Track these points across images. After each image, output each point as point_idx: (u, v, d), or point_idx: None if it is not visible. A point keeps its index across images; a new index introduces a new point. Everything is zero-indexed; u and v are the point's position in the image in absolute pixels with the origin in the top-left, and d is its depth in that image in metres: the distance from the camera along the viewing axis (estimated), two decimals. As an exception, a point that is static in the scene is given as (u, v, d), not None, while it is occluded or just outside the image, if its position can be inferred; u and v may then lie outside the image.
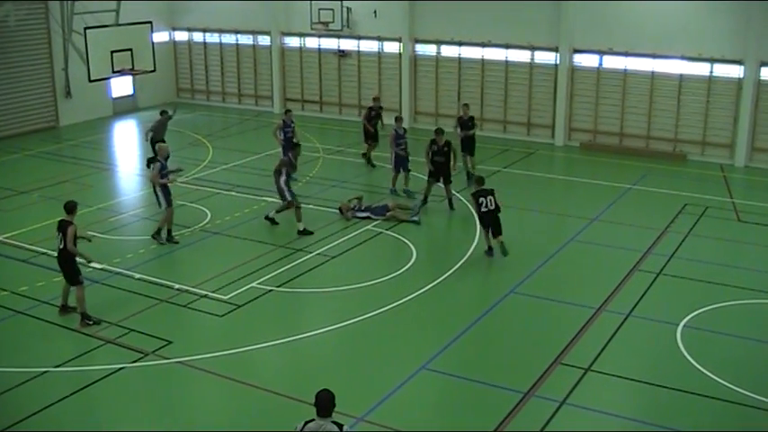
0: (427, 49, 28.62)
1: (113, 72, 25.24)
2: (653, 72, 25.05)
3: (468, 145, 21.95)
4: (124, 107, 31.56)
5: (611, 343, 13.14)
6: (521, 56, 27.04)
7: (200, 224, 18.55)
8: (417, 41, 28.65)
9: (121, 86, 31.35)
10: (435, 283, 15.47)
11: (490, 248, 16.81)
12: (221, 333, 13.65)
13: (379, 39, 29.25)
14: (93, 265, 15.22)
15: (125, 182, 22.96)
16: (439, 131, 19.52)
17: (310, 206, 19.45)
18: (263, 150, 24.89)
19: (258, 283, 15.35)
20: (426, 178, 19.86)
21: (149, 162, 20.84)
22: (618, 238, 17.87)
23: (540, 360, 12.51)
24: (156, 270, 16.01)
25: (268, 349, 12.97)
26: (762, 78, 23.60)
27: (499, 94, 27.59)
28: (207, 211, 19.40)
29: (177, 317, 14.15)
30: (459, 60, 27.99)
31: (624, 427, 10.95)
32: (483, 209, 16.44)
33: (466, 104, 22.82)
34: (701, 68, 24.41)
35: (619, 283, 15.40)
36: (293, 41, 31.18)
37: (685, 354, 12.73)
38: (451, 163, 19.44)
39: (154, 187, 17.61)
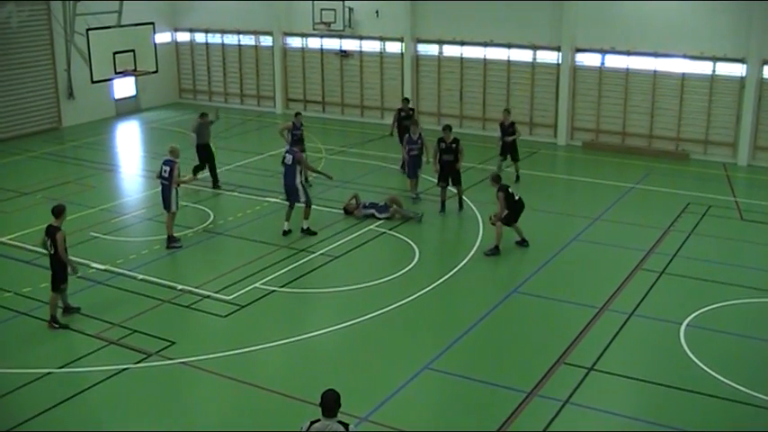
0: (429, 49, 28.61)
1: (116, 73, 25.30)
2: (655, 71, 25.02)
3: (510, 150, 21.66)
4: (127, 108, 31.59)
5: (614, 342, 13.14)
6: (523, 55, 27.03)
7: (203, 225, 18.57)
8: (419, 41, 28.66)
9: (124, 87, 31.37)
10: (438, 282, 15.47)
11: (524, 240, 17.25)
12: (224, 334, 13.67)
13: (381, 39, 29.25)
14: (95, 265, 15.25)
15: (128, 183, 22.98)
16: (447, 128, 19.26)
17: (313, 206, 19.43)
18: (266, 151, 24.91)
19: (261, 284, 15.36)
20: (436, 183, 19.50)
21: (196, 170, 21.01)
22: (620, 238, 17.86)
23: (543, 359, 12.51)
24: (158, 271, 16.03)
25: (271, 350, 12.98)
26: (764, 77, 23.56)
27: (501, 94, 27.58)
28: (210, 212, 19.41)
29: (180, 317, 14.17)
30: (462, 60, 27.98)
31: (627, 427, 10.95)
32: (516, 197, 16.96)
33: (507, 110, 22.41)
34: (704, 67, 24.38)
35: (622, 283, 15.39)
36: (295, 42, 31.18)
37: (688, 353, 12.72)
38: (459, 163, 19.06)
39: (168, 189, 17.08)
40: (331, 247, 17.29)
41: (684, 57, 24.53)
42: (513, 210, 16.89)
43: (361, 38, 29.60)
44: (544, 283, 15.60)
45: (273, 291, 15.14)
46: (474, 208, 19.34)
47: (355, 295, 15.02)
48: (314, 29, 29.69)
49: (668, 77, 24.92)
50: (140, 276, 15.72)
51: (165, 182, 17.06)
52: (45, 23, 28.08)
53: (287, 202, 18.12)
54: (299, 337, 13.31)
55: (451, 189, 19.53)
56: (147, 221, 19.15)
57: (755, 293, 14.96)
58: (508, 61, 27.24)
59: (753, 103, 23.69)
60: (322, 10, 29.05)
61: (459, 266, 16.25)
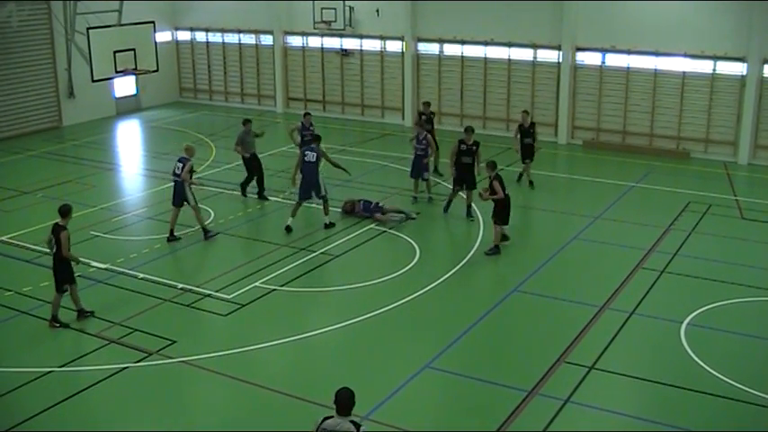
0: (430, 48, 28.61)
1: (116, 72, 25.29)
2: (656, 70, 25.02)
3: (528, 153, 21.20)
4: (127, 107, 31.60)
5: (614, 341, 13.13)
6: (523, 54, 27.02)
7: (204, 223, 18.54)
8: (420, 40, 28.65)
9: (124, 86, 31.39)
10: (439, 281, 15.47)
11: (506, 236, 17.04)
12: (225, 332, 13.67)
13: (382, 38, 29.24)
14: (95, 264, 15.26)
15: (128, 182, 22.98)
16: (469, 130, 18.70)
17: (313, 205, 19.45)
18: (267, 150, 24.89)
19: (262, 283, 15.36)
20: (452, 187, 19.16)
21: (244, 186, 20.36)
22: (621, 236, 17.86)
23: (543, 358, 12.51)
24: (159, 270, 16.03)
25: (272, 348, 12.98)
26: (765, 76, 23.56)
27: (502, 93, 27.58)
28: (210, 211, 19.41)
29: (181, 316, 14.17)
30: (462, 59, 27.97)
31: (628, 426, 10.95)
32: (506, 191, 16.77)
33: (526, 111, 21.84)
34: (704, 66, 24.38)
35: (622, 281, 15.39)
36: (296, 41, 31.18)
37: (689, 351, 12.72)
38: (476, 167, 18.49)
39: (181, 186, 17.33)
40: (331, 246, 17.30)
41: (685, 55, 24.52)
42: (504, 205, 16.73)
43: (361, 37, 29.59)
44: (544, 281, 15.60)
45: (274, 290, 15.13)
46: (477, 210, 19.30)
47: (356, 294, 15.02)
48: (314, 28, 29.69)
49: (669, 76, 24.91)
50: (141, 275, 15.72)
51: (178, 179, 17.30)
52: (45, 23, 28.09)
53: (297, 200, 18.22)
54: (299, 336, 13.31)
55: (461, 194, 19.25)
56: (147, 220, 19.15)
57: (756, 292, 14.96)
58: (509, 60, 27.23)
59: (753, 102, 23.68)
60: (322, 9, 29.06)
61: (459, 266, 16.25)
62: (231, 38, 32.44)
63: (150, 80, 30.81)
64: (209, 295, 14.88)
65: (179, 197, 17.43)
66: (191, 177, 17.38)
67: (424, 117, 22.10)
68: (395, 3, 28.39)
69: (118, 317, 13.93)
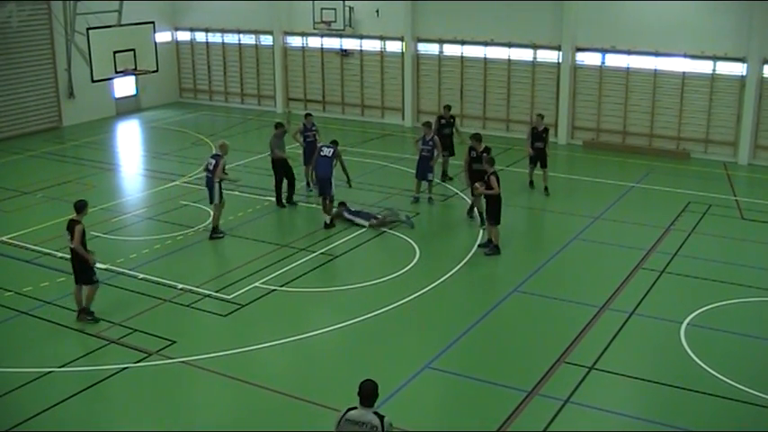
0: (430, 48, 28.61)
1: (116, 72, 25.30)
2: (656, 70, 25.02)
3: (541, 157, 20.71)
4: (127, 107, 31.60)
5: (614, 341, 13.13)
6: (523, 54, 27.03)
7: (204, 224, 18.55)
8: (420, 40, 28.65)
9: (124, 87, 31.39)
10: (439, 281, 15.47)
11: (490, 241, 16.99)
12: (225, 333, 13.67)
13: (382, 38, 29.25)
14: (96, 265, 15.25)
15: (128, 182, 22.98)
16: (477, 137, 18.28)
17: (314, 205, 19.47)
18: (266, 150, 24.83)
19: (261, 283, 15.36)
20: (471, 195, 18.72)
21: (279, 197, 19.79)
22: (621, 237, 17.86)
23: (543, 358, 12.51)
24: (159, 270, 16.02)
25: (271, 349, 12.98)
26: (765, 76, 23.56)
27: (502, 93, 27.58)
28: (210, 211, 19.38)
29: (181, 317, 14.17)
30: (462, 59, 27.98)
31: (628, 426, 10.95)
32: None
33: (540, 115, 21.37)
34: (704, 66, 24.38)
35: (622, 282, 15.39)
36: (296, 41, 31.19)
37: (689, 352, 12.72)
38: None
39: (212, 182, 17.57)
40: (331, 246, 17.30)
41: (685, 56, 24.52)
42: (497, 202, 16.70)
43: (361, 37, 29.60)
44: (545, 282, 15.60)
45: (274, 290, 15.13)
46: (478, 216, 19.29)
47: (356, 294, 15.01)
48: (314, 28, 29.68)
49: (669, 76, 24.91)
50: (141, 276, 15.73)
51: (209, 174, 17.53)
52: (45, 23, 28.09)
53: (317, 194, 18.65)
54: (299, 337, 13.31)
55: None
56: (147, 221, 19.15)
57: (756, 292, 14.96)
58: (509, 60, 27.23)
59: (753, 102, 23.68)
60: (322, 9, 29.06)
61: (459, 266, 16.25)
62: (231, 38, 32.45)
63: (150, 80, 30.81)
64: (208, 295, 14.88)
65: (212, 193, 17.69)
66: (223, 174, 17.60)
67: (443, 121, 21.49)
68: (395, 3, 28.40)
69: (118, 317, 13.93)
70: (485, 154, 17.66)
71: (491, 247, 16.82)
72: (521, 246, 17.56)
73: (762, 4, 23.05)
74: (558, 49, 26.22)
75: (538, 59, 26.82)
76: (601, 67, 25.90)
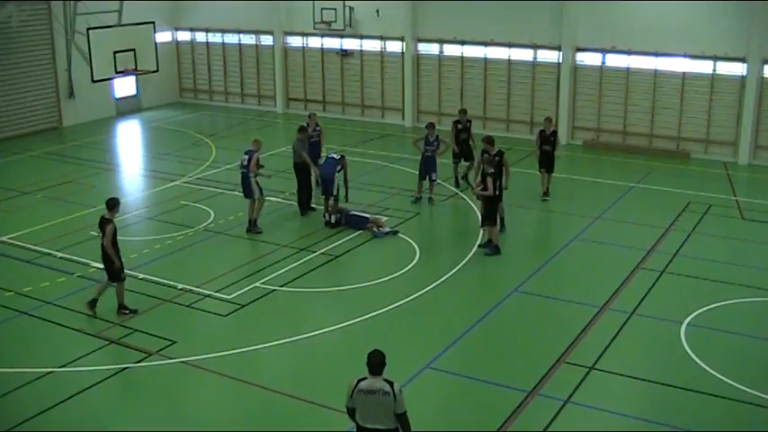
0: (430, 49, 28.61)
1: (116, 72, 25.27)
2: (656, 70, 25.02)
3: (547, 162, 20.28)
4: (127, 107, 31.60)
5: (614, 341, 13.13)
6: (523, 54, 27.03)
7: (204, 224, 18.57)
8: (420, 41, 28.65)
9: (124, 87, 31.39)
10: (439, 281, 15.47)
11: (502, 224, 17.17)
12: (225, 333, 13.68)
13: (382, 38, 29.25)
14: (95, 265, 15.29)
15: (128, 182, 22.98)
16: (489, 140, 17.77)
17: (313, 205, 19.45)
18: (266, 150, 24.85)
19: (262, 283, 15.36)
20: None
21: (301, 203, 19.30)
22: (621, 237, 17.86)
23: (543, 359, 12.51)
24: (159, 270, 16.02)
25: (272, 349, 12.98)
26: (765, 76, 23.56)
27: (502, 93, 27.59)
28: (210, 211, 19.41)
29: (181, 317, 14.17)
30: (462, 59, 27.98)
31: (628, 426, 10.94)
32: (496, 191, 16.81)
33: (548, 118, 20.78)
34: (704, 66, 24.39)
35: (622, 282, 15.39)
36: (296, 41, 31.18)
37: (689, 352, 12.72)
38: (504, 178, 17.28)
39: (247, 178, 17.79)
40: (331, 246, 17.29)
41: (685, 56, 24.52)
42: (492, 203, 16.71)
43: (361, 37, 29.60)
44: (545, 282, 15.60)
45: (274, 290, 15.14)
46: (478, 211, 19.30)
47: (356, 294, 15.01)
48: (314, 28, 29.69)
49: (669, 76, 24.91)
50: (141, 276, 15.73)
51: (245, 170, 17.77)
52: (46, 23, 28.09)
53: (320, 193, 18.70)
54: (299, 337, 13.31)
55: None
56: (147, 221, 19.15)
57: (756, 292, 14.96)
58: (509, 60, 27.24)
59: (753, 102, 23.69)
60: (322, 9, 29.06)
61: (459, 266, 16.24)
62: (231, 38, 32.45)
63: (150, 80, 30.82)
64: (209, 296, 14.88)
65: (248, 189, 17.85)
66: (258, 169, 17.83)
67: (460, 126, 20.92)
68: (395, 3, 28.39)
69: (118, 317, 13.93)
70: (497, 158, 17.14)
71: (491, 248, 16.82)
72: (521, 246, 17.55)
73: (762, 5, 23.05)
74: (559, 49, 26.22)
75: (538, 59, 26.82)
76: (601, 67, 25.91)
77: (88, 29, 24.44)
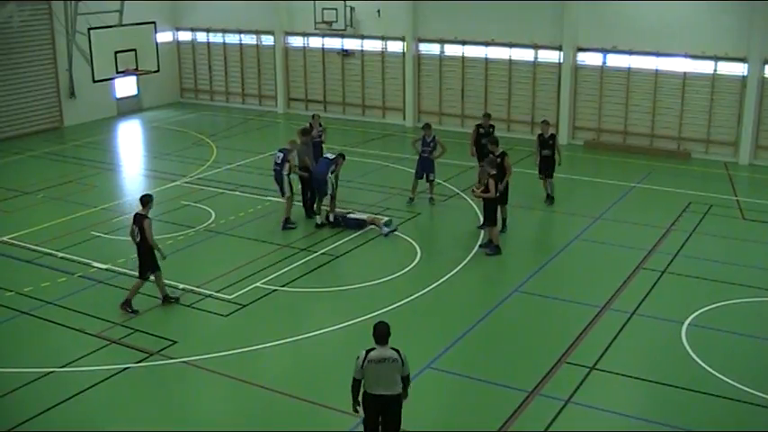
0: (431, 49, 28.61)
1: (117, 72, 25.29)
2: (656, 70, 25.02)
3: (546, 166, 19.79)
4: (128, 107, 31.61)
5: (615, 341, 13.13)
6: (524, 54, 27.03)
7: (205, 224, 18.57)
8: (421, 41, 28.65)
9: (125, 87, 31.40)
10: (440, 281, 15.47)
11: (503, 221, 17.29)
12: (226, 333, 13.67)
13: (383, 38, 29.25)
14: (96, 265, 15.29)
15: (129, 182, 22.98)
16: (493, 141, 17.91)
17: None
18: (267, 150, 24.90)
19: (263, 283, 15.36)
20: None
21: (306, 205, 19.03)
22: (622, 237, 17.85)
23: (544, 359, 12.51)
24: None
25: (273, 349, 12.98)
26: (765, 76, 23.56)
27: (503, 93, 27.58)
28: (211, 211, 19.41)
29: (182, 317, 14.17)
30: (463, 59, 27.98)
31: (629, 426, 10.94)
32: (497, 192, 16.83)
33: (545, 121, 20.30)
34: (705, 66, 24.38)
35: (623, 282, 15.38)
36: (297, 41, 31.18)
37: (690, 352, 12.71)
38: (507, 178, 17.43)
39: (281, 175, 17.98)
40: (332, 246, 17.29)
41: (686, 56, 24.52)
42: (494, 204, 16.71)
43: (362, 37, 29.59)
44: (545, 282, 15.60)
45: (275, 290, 15.13)
46: (478, 211, 19.29)
47: (357, 294, 15.01)
48: (315, 28, 29.68)
49: (670, 77, 24.91)
50: (142, 276, 15.71)
51: (278, 168, 18.02)
52: (46, 23, 28.10)
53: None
54: (300, 337, 13.31)
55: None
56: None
57: (757, 292, 14.95)
58: (510, 60, 27.23)
59: (754, 102, 23.68)
60: (323, 9, 29.05)
61: (460, 266, 16.24)
62: (232, 38, 32.45)
63: (151, 80, 30.82)
64: (209, 296, 14.88)
65: (282, 186, 18.04)
66: (294, 167, 18.11)
67: (482, 130, 20.53)
68: (396, 3, 28.39)
69: (119, 317, 13.94)
70: (499, 159, 17.24)
71: (492, 248, 16.81)
72: (522, 246, 17.55)
73: (762, 4, 23.04)
74: (559, 49, 26.21)
75: (539, 59, 26.81)
76: (602, 67, 25.90)
77: (89, 29, 24.46)
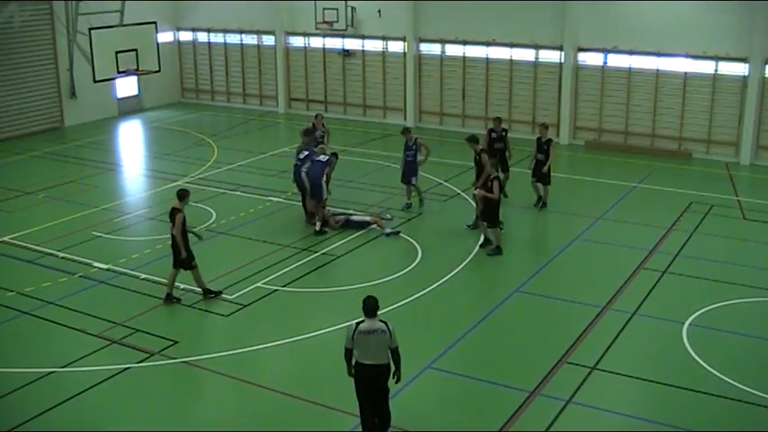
0: (431, 49, 28.61)
1: (118, 72, 25.32)
2: (657, 70, 25.01)
3: (539, 172, 19.45)
4: (129, 107, 31.62)
5: (616, 341, 13.12)
6: (525, 54, 27.02)
7: (206, 224, 18.57)
8: (422, 41, 28.65)
9: (126, 87, 31.41)
10: (441, 281, 15.46)
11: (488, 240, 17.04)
12: (227, 333, 13.68)
13: (384, 38, 29.25)
14: (97, 265, 15.29)
15: (130, 182, 23.00)
16: (472, 139, 17.82)
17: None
18: (268, 150, 24.93)
19: (263, 283, 15.37)
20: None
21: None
22: (623, 237, 17.85)
23: (545, 359, 12.51)
24: (161, 270, 15.97)
25: (273, 349, 12.99)
26: (766, 76, 23.55)
27: (504, 93, 27.58)
28: (212, 211, 19.42)
29: (183, 317, 14.17)
30: (464, 59, 27.98)
31: (630, 426, 10.94)
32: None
33: (543, 124, 20.02)
34: (706, 66, 24.37)
35: (624, 282, 15.38)
36: (298, 41, 31.19)
37: (691, 352, 12.71)
38: (483, 175, 17.16)
39: (300, 172, 18.06)
40: (333, 246, 17.29)
41: (687, 56, 24.51)
42: (495, 206, 16.68)
43: (363, 37, 29.59)
44: (546, 282, 15.59)
45: (276, 290, 15.14)
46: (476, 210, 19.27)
47: (358, 294, 14.86)
48: (316, 28, 29.68)
49: (671, 77, 24.90)
50: (143, 276, 15.73)
51: (299, 163, 18.09)
52: (47, 23, 28.11)
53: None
54: (301, 337, 13.31)
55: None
56: (149, 221, 19.16)
57: (758, 292, 14.94)
58: (510, 60, 27.23)
59: (755, 102, 23.67)
60: (324, 9, 29.05)
61: (461, 266, 16.24)
62: (233, 38, 32.46)
63: (152, 81, 30.83)
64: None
65: (302, 184, 18.14)
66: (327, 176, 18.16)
67: (494, 135, 20.06)
68: (396, 3, 28.39)
69: (120, 317, 13.94)
70: (477, 156, 17.53)
71: (493, 248, 16.81)
72: (523, 246, 17.56)
73: (764, 4, 23.03)
74: (560, 49, 26.21)
75: (540, 59, 26.81)
76: (603, 67, 25.90)
77: (90, 29, 24.48)
